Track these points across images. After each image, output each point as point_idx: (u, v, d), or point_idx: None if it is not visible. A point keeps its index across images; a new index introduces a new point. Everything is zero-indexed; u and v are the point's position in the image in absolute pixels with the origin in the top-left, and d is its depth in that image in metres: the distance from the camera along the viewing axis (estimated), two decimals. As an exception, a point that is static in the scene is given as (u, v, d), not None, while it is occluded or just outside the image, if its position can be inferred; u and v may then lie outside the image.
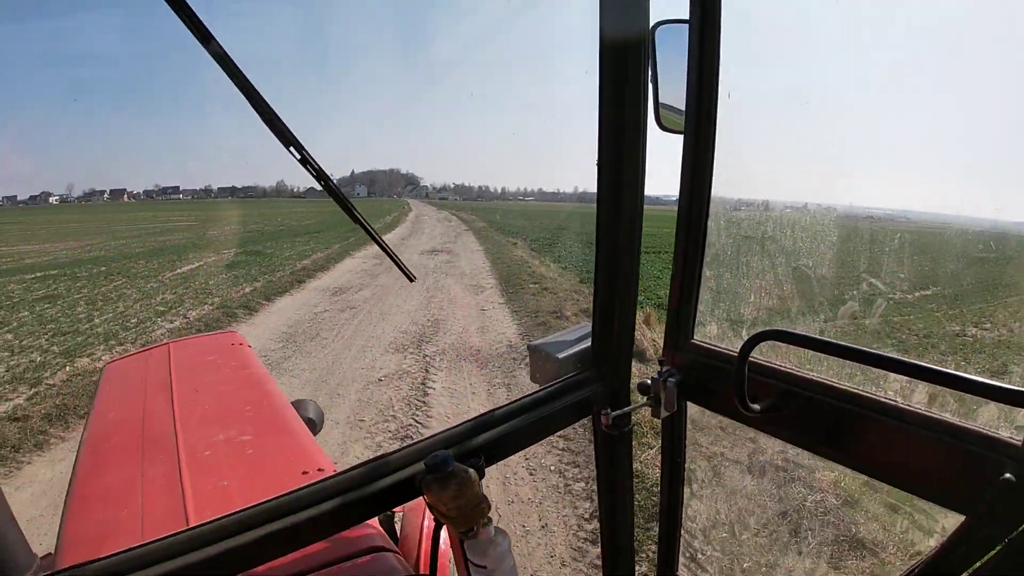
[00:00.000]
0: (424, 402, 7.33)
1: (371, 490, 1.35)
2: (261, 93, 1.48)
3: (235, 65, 1.43)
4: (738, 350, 1.32)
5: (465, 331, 10.77)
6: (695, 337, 1.66)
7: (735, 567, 3.79)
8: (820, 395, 1.35)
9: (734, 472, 4.70)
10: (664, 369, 1.69)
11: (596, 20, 1.43)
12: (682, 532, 2.01)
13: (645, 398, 1.70)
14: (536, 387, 1.72)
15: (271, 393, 3.11)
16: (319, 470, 2.23)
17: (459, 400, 7.44)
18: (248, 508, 1.26)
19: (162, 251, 25.26)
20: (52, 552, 2.01)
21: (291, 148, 1.57)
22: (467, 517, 1.34)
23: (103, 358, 9.00)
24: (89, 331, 10.76)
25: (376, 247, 1.98)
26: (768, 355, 1.46)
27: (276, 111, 1.53)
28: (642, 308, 10.80)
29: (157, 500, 2.09)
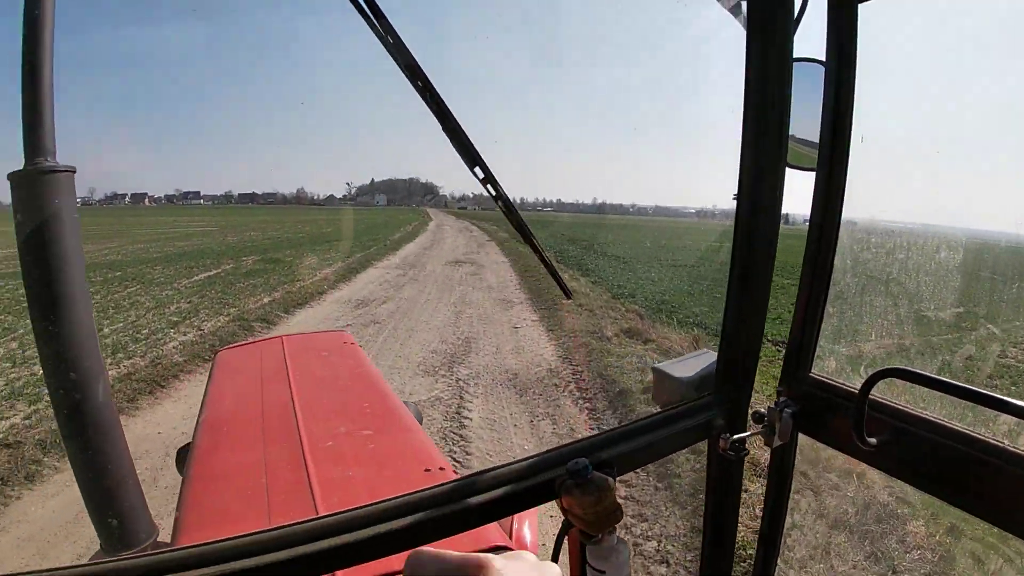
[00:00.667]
0: (461, 435, 6.61)
1: (507, 491, 1.36)
2: (447, 105, 1.55)
3: (426, 78, 1.51)
4: (854, 385, 1.42)
5: (499, 351, 10.05)
6: (813, 371, 1.68)
7: None
8: (936, 435, 1.34)
9: (836, 506, 4.61)
10: (780, 400, 1.71)
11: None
12: (778, 562, 2.02)
13: (759, 426, 1.72)
14: (652, 408, 1.78)
15: (386, 392, 3.16)
16: (440, 469, 2.28)
17: (500, 433, 6.70)
18: (384, 500, 1.27)
19: (180, 257, 24.71)
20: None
21: (475, 168, 1.64)
22: (601, 522, 1.34)
23: (110, 372, 8.39)
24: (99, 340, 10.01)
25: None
26: (883, 392, 1.43)
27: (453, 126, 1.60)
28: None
29: (283, 486, 2.15)
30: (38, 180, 1.59)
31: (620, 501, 1.43)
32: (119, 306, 13.25)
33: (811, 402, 1.64)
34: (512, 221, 1.79)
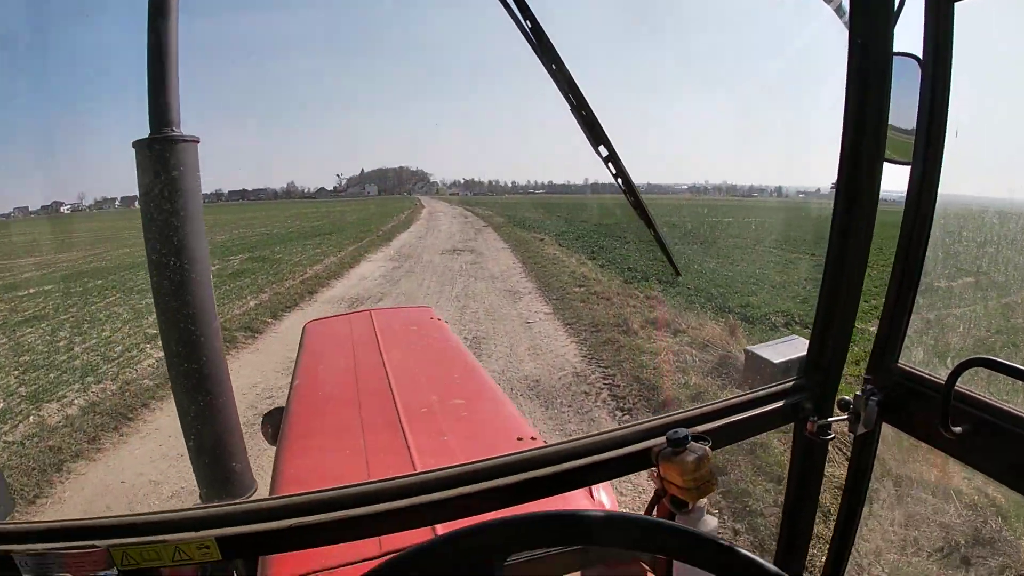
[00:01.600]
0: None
1: (602, 459, 1.42)
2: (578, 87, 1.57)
3: (560, 60, 1.52)
4: (942, 377, 1.40)
5: (513, 353, 8.95)
6: (901, 360, 1.68)
7: None
8: (1019, 428, 1.33)
9: (915, 497, 4.52)
10: (867, 387, 1.72)
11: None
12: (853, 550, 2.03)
13: (845, 413, 1.74)
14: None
15: (475, 366, 3.21)
16: (532, 439, 2.29)
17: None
18: (480, 460, 1.35)
19: None
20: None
21: (600, 146, 1.64)
22: (699, 490, 1.38)
23: (75, 402, 7.41)
24: (66, 364, 9.00)
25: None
26: (968, 384, 1.44)
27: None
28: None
29: (381, 445, 2.24)
30: (165, 147, 1.72)
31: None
32: (95, 319, 12.14)
33: (897, 392, 1.66)
34: (630, 200, 1.79)
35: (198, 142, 1.74)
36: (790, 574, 1.85)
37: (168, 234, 1.73)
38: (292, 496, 1.22)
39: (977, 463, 1.53)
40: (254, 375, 8.15)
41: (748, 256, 22.10)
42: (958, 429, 1.38)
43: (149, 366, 8.74)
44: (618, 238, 27.11)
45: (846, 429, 1.75)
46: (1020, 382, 1.25)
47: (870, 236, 1.60)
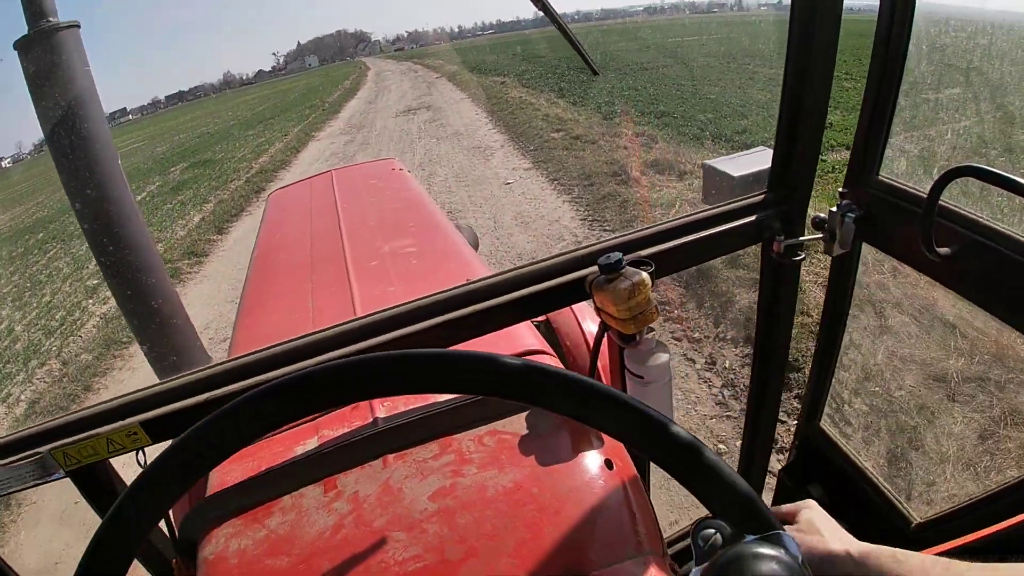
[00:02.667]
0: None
1: (539, 289, 1.38)
2: None
3: None
4: (926, 191, 1.28)
5: (499, 226, 7.46)
6: (882, 173, 1.57)
7: (880, 424, 3.43)
8: (1011, 251, 1.23)
9: (898, 323, 4.17)
10: (843, 203, 1.62)
11: None
12: (833, 380, 2.03)
13: (819, 233, 1.67)
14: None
15: (433, 212, 3.17)
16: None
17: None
18: (413, 300, 1.34)
19: None
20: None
21: None
22: (636, 320, 1.30)
23: (23, 396, 6.07)
24: (8, 351, 7.36)
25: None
26: (958, 201, 1.36)
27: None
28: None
29: (327, 301, 2.19)
30: (46, 39, 1.68)
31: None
32: (36, 283, 10.24)
33: (877, 207, 1.58)
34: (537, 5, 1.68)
35: (79, 26, 1.69)
36: (764, 412, 2.08)
37: (69, 123, 1.68)
38: (212, 367, 1.21)
39: (963, 289, 1.44)
40: (205, 312, 6.71)
41: (726, 76, 20.33)
42: (944, 250, 1.33)
43: (91, 329, 7.31)
44: (582, 70, 24.80)
45: (822, 251, 1.69)
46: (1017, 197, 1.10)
47: (837, 28, 1.42)
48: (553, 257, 1.42)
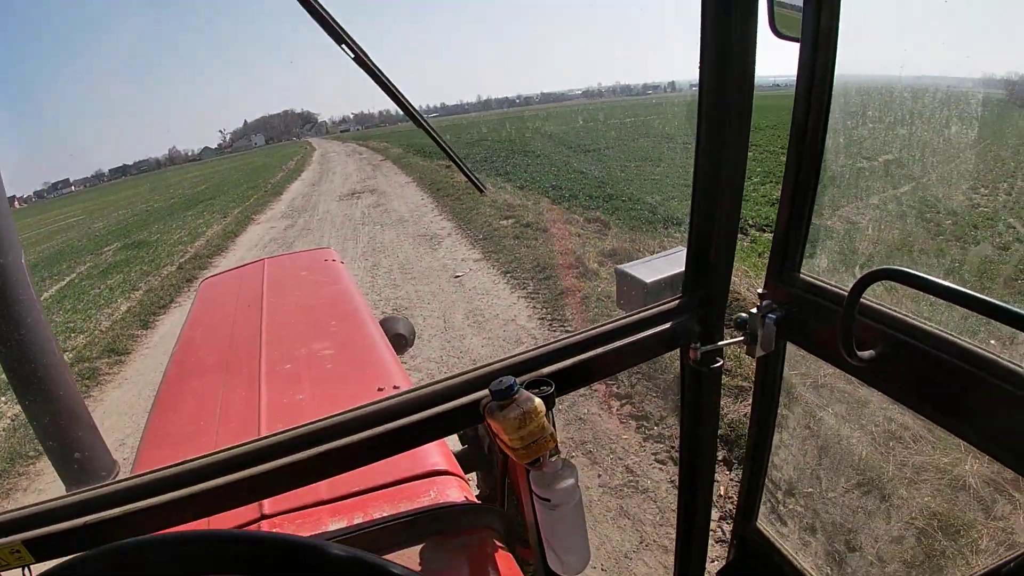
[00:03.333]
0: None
1: (435, 412, 1.35)
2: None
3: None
4: (847, 288, 1.28)
5: (449, 327, 6.91)
6: (802, 271, 1.56)
7: (816, 523, 3.38)
8: (937, 350, 1.23)
9: (828, 424, 4.04)
10: (764, 304, 1.60)
11: None
12: (766, 480, 2.02)
13: (740, 334, 1.64)
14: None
15: (358, 309, 3.13)
16: (395, 387, 2.24)
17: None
18: (315, 422, 1.30)
19: (35, 268, 19.80)
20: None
21: (343, 46, 1.58)
22: (529, 450, 1.26)
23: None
24: None
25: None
26: (882, 298, 1.38)
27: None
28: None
29: (233, 415, 2.15)
30: None
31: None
32: None
33: (799, 306, 1.55)
34: (415, 121, 1.78)
35: None
36: (696, 524, 2.02)
37: None
38: (100, 487, 1.19)
39: (885, 387, 1.42)
40: (123, 423, 5.96)
41: (667, 156, 20.70)
42: (867, 353, 1.32)
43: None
44: (526, 153, 25.25)
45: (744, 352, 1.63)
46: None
47: (747, 131, 1.42)
48: (451, 377, 1.39)
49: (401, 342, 3.77)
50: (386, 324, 3.35)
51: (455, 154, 1.90)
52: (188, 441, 2.07)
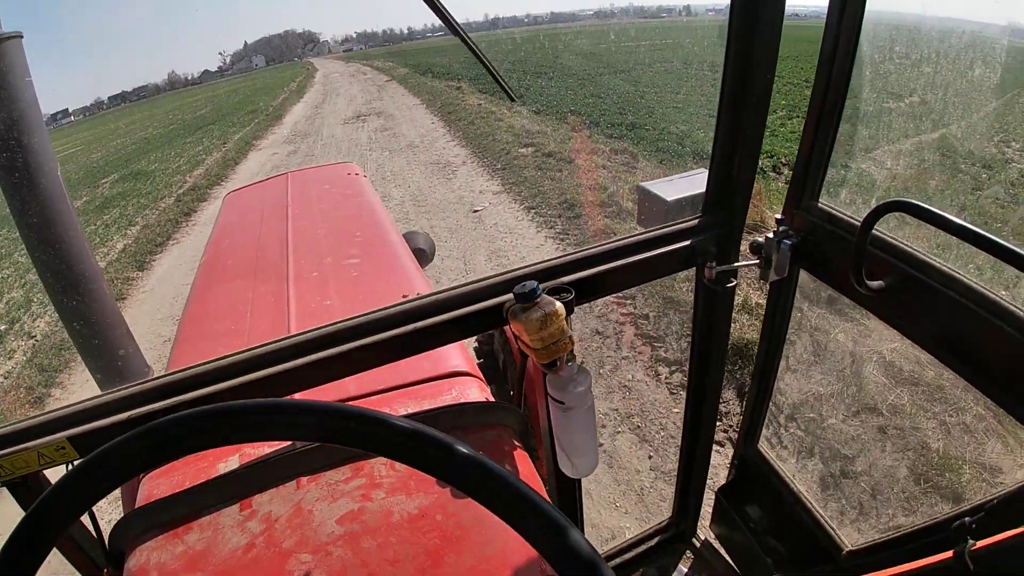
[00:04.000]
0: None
1: (459, 314, 1.38)
2: None
3: None
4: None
5: (470, 270, 6.26)
6: (822, 200, 1.60)
7: (815, 449, 3.47)
8: (944, 286, 1.28)
9: (835, 351, 4.14)
10: (780, 230, 1.65)
11: None
12: (770, 404, 2.06)
13: (756, 258, 1.70)
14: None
15: (381, 221, 3.17)
16: (419, 295, 1.86)
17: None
18: (342, 321, 1.34)
19: None
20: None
21: None
22: (549, 350, 1.31)
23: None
24: None
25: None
26: (895, 232, 1.41)
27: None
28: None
29: (264, 317, 2.22)
30: None
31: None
32: None
33: (814, 234, 1.59)
34: (457, 35, 1.72)
35: (21, 37, 1.65)
36: (701, 435, 2.11)
37: (11, 138, 1.69)
38: (139, 384, 1.23)
39: (892, 319, 1.46)
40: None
41: (685, 83, 19.89)
42: (876, 284, 1.36)
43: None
44: (539, 75, 24.26)
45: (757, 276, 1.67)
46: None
47: (776, 47, 1.41)
48: (477, 281, 1.42)
49: (422, 256, 3.83)
50: (407, 239, 3.28)
51: (488, 61, 1.83)
52: (221, 338, 2.13)
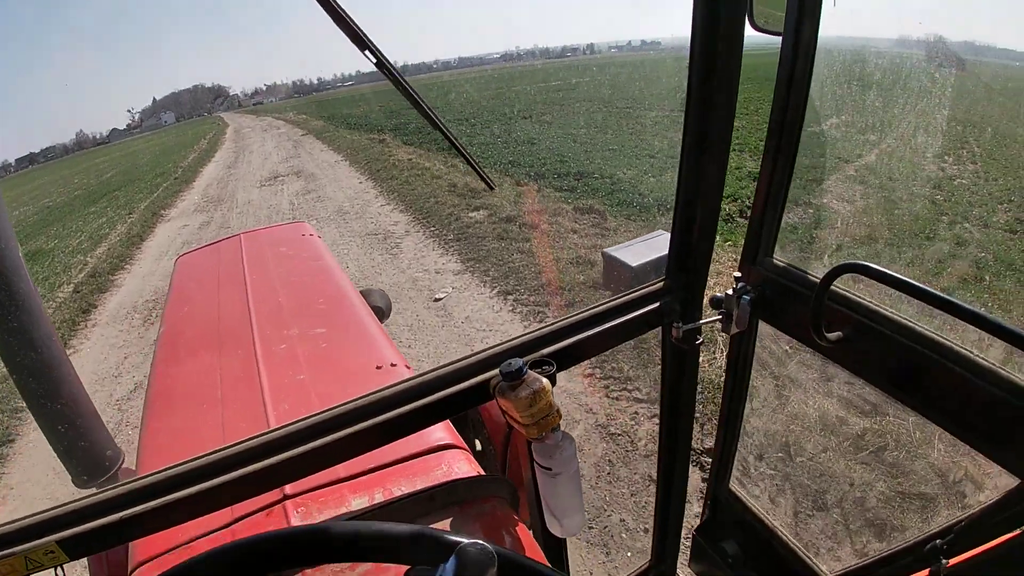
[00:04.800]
0: None
1: (445, 395, 1.41)
2: None
3: None
4: (815, 273, 1.51)
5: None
6: (776, 255, 1.71)
7: (785, 487, 3.55)
8: (895, 333, 1.39)
9: (797, 395, 4.24)
10: (739, 285, 1.73)
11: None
12: (738, 447, 2.15)
13: (717, 313, 1.77)
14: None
15: (341, 286, 3.17)
16: (392, 365, 2.33)
17: None
18: (328, 410, 1.35)
19: None
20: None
21: (366, 52, 1.59)
22: (539, 425, 1.37)
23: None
24: None
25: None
26: (847, 284, 1.50)
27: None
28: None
29: (236, 397, 2.19)
30: None
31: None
32: None
33: (772, 288, 1.69)
34: (415, 105, 1.74)
35: None
36: (675, 480, 2.18)
37: None
38: (128, 483, 1.23)
39: (848, 364, 1.57)
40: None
41: (610, 121, 19.68)
42: (834, 335, 1.45)
43: None
44: (464, 121, 23.45)
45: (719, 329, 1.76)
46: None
47: (732, 112, 1.52)
48: (458, 360, 1.45)
49: (380, 314, 3.73)
50: (365, 296, 3.30)
51: (463, 148, 1.87)
52: (194, 424, 2.08)
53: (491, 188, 2.15)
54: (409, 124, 23.81)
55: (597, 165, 12.16)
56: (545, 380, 1.34)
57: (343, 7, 1.50)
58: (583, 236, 7.71)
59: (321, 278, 3.27)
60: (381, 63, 1.62)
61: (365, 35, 1.55)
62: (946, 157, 9.30)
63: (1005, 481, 1.24)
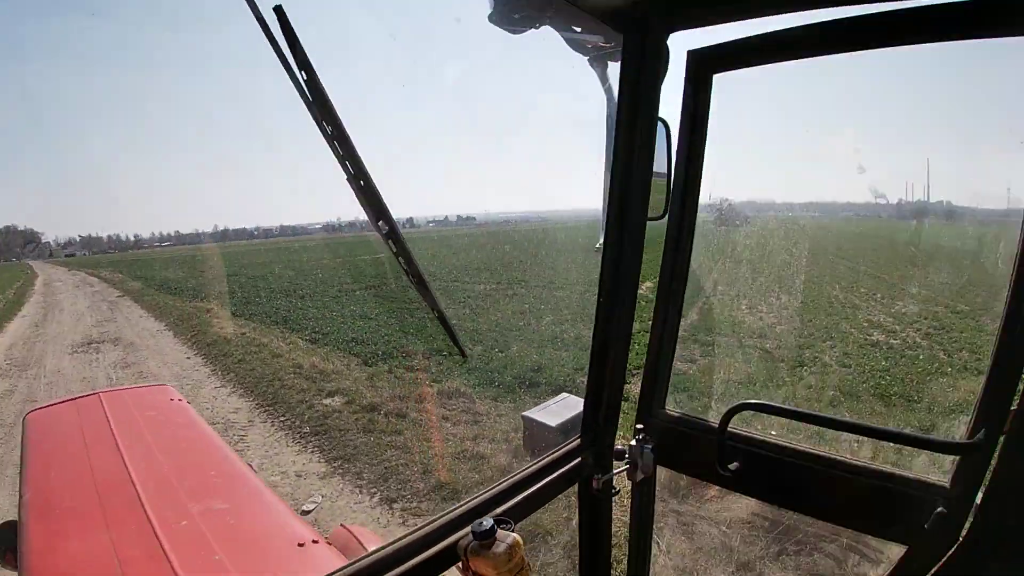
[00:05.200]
0: None
1: (414, 564, 1.41)
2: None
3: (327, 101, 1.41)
4: (704, 417, 1.80)
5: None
6: (666, 405, 1.97)
7: None
8: (783, 456, 1.66)
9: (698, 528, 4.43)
10: (640, 436, 1.94)
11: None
12: None
13: (623, 463, 1.95)
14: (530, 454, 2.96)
15: (229, 456, 3.09)
16: (313, 542, 2.31)
17: None
18: None
19: None
20: None
21: (379, 222, 1.61)
22: None
23: None
24: None
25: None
26: (734, 421, 1.70)
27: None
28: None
29: (143, 573, 2.05)
30: None
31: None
32: None
33: (669, 436, 1.92)
34: (408, 273, 1.76)
35: None
36: None
37: None
38: None
39: (747, 490, 1.85)
40: None
41: (472, 302, 19.28)
42: (733, 465, 1.68)
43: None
44: (284, 293, 22.78)
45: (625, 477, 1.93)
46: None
47: (635, 293, 1.81)
48: (419, 528, 1.50)
49: None
50: None
51: (444, 314, 1.90)
52: None
53: (464, 357, 2.46)
54: (235, 293, 22.87)
55: (437, 343, 11.65)
56: (514, 534, 1.42)
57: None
58: (454, 422, 7.41)
59: (204, 447, 3.22)
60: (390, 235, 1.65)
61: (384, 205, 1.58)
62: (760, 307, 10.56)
63: (895, 551, 1.48)
